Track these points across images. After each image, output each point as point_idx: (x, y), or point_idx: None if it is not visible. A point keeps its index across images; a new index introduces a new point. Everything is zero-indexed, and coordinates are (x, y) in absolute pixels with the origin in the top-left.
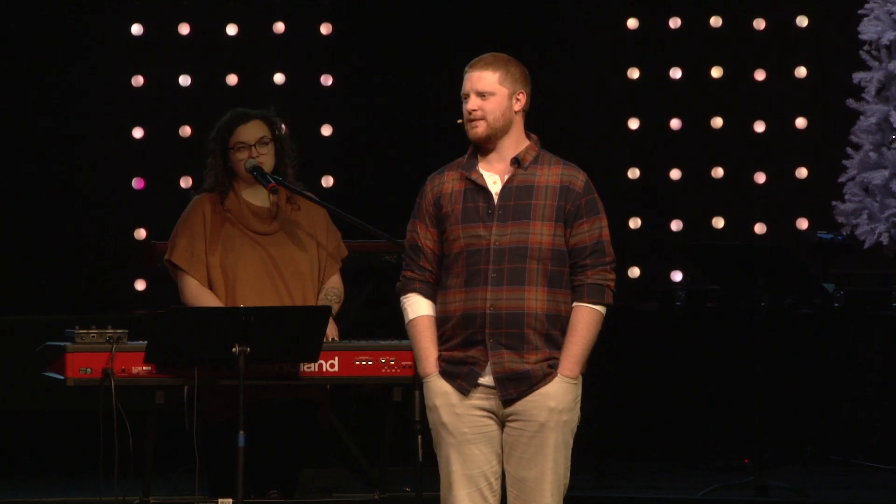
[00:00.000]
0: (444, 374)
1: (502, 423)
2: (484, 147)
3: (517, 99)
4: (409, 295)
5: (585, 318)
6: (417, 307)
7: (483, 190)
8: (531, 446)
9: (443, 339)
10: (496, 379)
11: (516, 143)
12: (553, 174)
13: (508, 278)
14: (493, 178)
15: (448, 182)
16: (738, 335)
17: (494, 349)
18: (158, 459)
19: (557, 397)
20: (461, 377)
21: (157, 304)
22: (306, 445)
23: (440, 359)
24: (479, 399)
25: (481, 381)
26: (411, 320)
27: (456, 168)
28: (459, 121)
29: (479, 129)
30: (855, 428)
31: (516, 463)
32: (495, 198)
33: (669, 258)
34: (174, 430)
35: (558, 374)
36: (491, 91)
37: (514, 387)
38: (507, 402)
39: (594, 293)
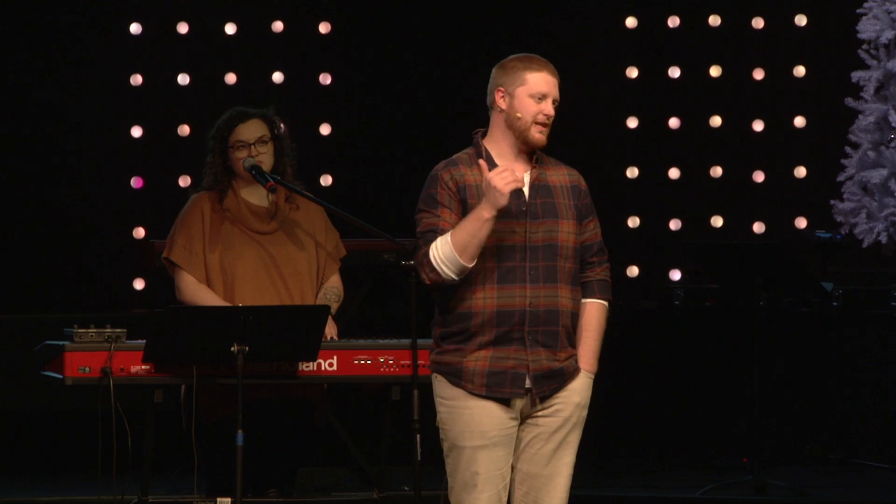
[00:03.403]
0: (488, 388)
1: (522, 420)
2: (524, 148)
3: None
4: (430, 246)
5: (599, 313)
6: (442, 239)
7: None
8: (551, 442)
9: (463, 335)
10: (534, 377)
11: None
12: (561, 174)
13: (544, 276)
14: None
15: (469, 175)
16: (736, 334)
17: (532, 347)
18: (157, 458)
19: (582, 392)
20: (507, 385)
21: (155, 304)
22: (304, 444)
23: (474, 373)
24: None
25: (526, 384)
26: (448, 239)
27: (469, 163)
28: (518, 119)
29: (544, 136)
30: (854, 427)
31: (530, 459)
32: (526, 195)
33: (668, 257)
34: (173, 429)
35: (581, 370)
36: (558, 99)
37: (548, 384)
38: (541, 400)
39: (604, 290)
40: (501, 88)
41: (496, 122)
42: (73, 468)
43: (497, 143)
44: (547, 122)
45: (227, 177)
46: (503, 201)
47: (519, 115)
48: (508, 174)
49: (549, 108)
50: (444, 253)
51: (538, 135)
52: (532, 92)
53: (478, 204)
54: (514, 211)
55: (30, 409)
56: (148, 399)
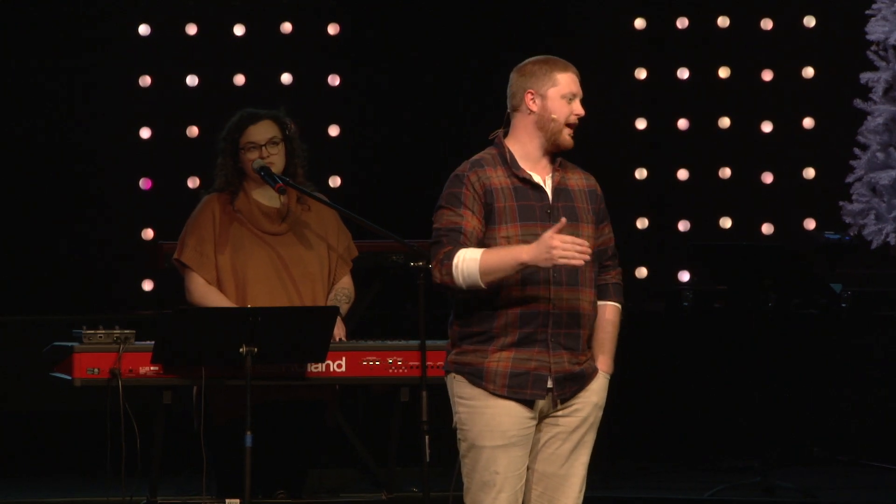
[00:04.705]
0: (510, 389)
1: (539, 420)
2: (547, 150)
3: None
4: (457, 254)
5: (615, 316)
6: (474, 251)
7: (537, 188)
8: (568, 442)
9: (484, 335)
10: (556, 380)
11: None
12: (578, 178)
13: (567, 279)
14: (537, 178)
15: (494, 177)
16: (745, 335)
17: (555, 349)
18: (166, 460)
19: (600, 393)
20: (528, 386)
21: (164, 305)
22: (313, 446)
23: (496, 373)
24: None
25: (548, 384)
26: (479, 258)
27: (494, 164)
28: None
29: (572, 138)
30: (863, 428)
31: (546, 459)
32: (550, 197)
33: (677, 258)
34: (181, 431)
35: (600, 371)
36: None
37: (570, 387)
38: (562, 401)
39: (619, 292)
40: (532, 91)
41: (523, 124)
42: (81, 469)
43: (523, 146)
44: (577, 122)
45: (238, 178)
46: (546, 264)
47: (554, 116)
48: (574, 251)
49: (579, 108)
50: (467, 267)
51: (568, 137)
52: (564, 92)
53: (506, 209)
54: (538, 214)
55: (38, 410)
56: (157, 400)
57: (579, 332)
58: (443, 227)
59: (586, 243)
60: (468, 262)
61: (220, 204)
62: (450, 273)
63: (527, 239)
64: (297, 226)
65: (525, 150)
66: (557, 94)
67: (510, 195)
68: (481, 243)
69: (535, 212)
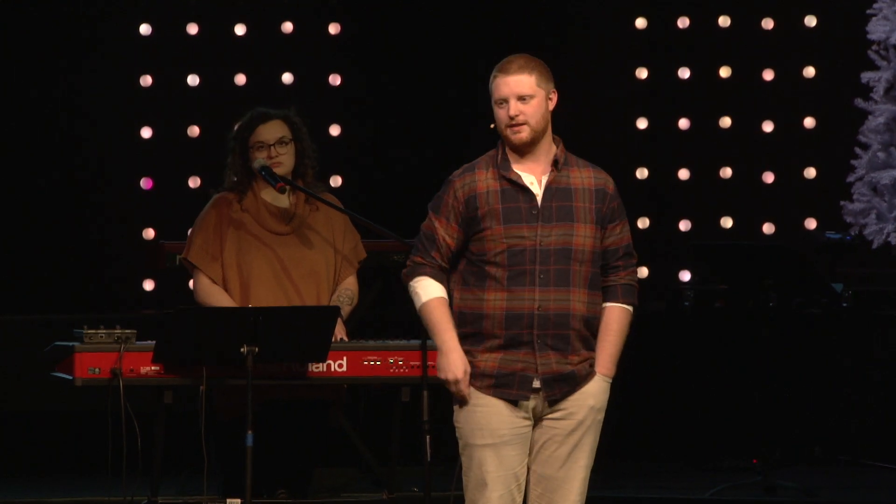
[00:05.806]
0: (496, 388)
1: (536, 421)
2: (521, 149)
3: (550, 98)
4: (419, 278)
5: (621, 318)
6: (430, 289)
7: (525, 190)
8: (565, 445)
9: (476, 337)
10: (543, 380)
11: (549, 143)
12: (586, 176)
13: (555, 279)
14: (530, 178)
15: (481, 181)
16: (746, 335)
17: (542, 350)
18: (167, 459)
19: (597, 395)
20: (514, 386)
21: (165, 304)
22: (315, 445)
23: (483, 373)
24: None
25: (534, 384)
26: (424, 303)
27: (487, 167)
28: (492, 126)
29: (524, 134)
30: (864, 428)
31: (545, 461)
32: (538, 198)
33: (678, 258)
34: (183, 430)
35: (597, 374)
36: (530, 94)
37: (559, 387)
38: (551, 403)
39: (628, 294)
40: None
41: None
42: (82, 469)
43: (510, 146)
44: (512, 122)
45: (247, 177)
46: (438, 372)
47: (493, 125)
48: (456, 392)
49: (512, 108)
50: (415, 298)
51: (513, 136)
52: (495, 99)
53: (490, 213)
54: (524, 215)
55: (39, 410)
56: (158, 400)
57: (568, 333)
58: (424, 230)
59: (465, 395)
60: (417, 295)
61: (228, 203)
62: (407, 285)
63: (512, 241)
64: (304, 226)
65: (511, 153)
66: (493, 103)
67: (496, 198)
68: (458, 246)
69: (520, 213)
